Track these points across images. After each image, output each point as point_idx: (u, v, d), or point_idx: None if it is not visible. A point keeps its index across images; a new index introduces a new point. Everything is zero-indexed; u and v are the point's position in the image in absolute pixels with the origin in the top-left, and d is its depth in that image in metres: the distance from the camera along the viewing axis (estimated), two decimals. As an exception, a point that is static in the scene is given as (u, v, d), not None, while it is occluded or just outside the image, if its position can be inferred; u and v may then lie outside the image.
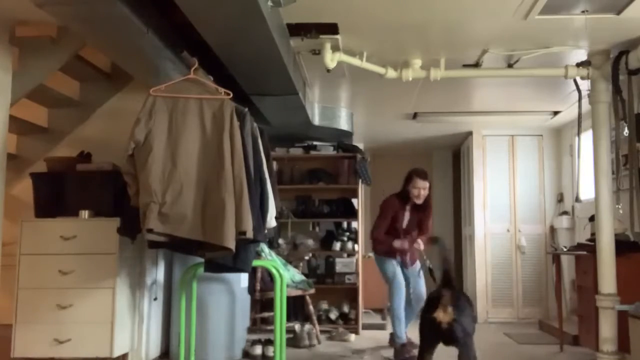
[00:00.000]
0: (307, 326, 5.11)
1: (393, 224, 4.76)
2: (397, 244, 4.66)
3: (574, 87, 4.25)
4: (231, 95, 3.28)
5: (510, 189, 6.71)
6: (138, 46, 3.10)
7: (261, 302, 5.17)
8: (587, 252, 4.32)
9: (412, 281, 4.79)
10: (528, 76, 4.41)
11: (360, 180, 5.97)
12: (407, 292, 4.75)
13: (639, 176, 3.81)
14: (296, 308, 5.67)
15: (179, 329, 3.83)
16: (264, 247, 4.58)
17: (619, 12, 3.28)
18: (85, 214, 3.58)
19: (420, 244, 4.63)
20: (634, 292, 3.77)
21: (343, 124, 5.74)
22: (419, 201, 4.70)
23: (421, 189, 4.66)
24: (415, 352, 4.43)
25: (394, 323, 4.61)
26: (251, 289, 4.64)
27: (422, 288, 4.78)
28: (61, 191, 3.70)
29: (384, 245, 4.72)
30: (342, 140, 6.17)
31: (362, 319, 5.86)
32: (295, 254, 5.89)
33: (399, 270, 4.71)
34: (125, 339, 3.62)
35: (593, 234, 4.23)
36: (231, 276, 4.17)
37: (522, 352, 4.83)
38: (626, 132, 3.80)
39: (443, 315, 2.95)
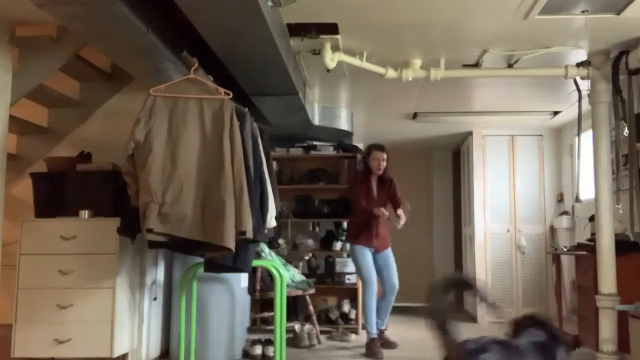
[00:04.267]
0: (307, 326, 5.11)
1: (366, 200, 4.85)
2: (377, 211, 4.71)
3: (574, 87, 4.25)
4: (231, 95, 3.28)
5: (510, 189, 6.71)
6: (138, 46, 3.11)
7: (261, 302, 5.17)
8: (587, 252, 4.32)
9: (384, 271, 4.87)
10: (528, 76, 4.41)
11: (360, 181, 5.98)
12: (380, 283, 4.89)
13: (639, 176, 3.81)
14: (296, 308, 5.67)
15: (179, 329, 3.83)
16: (264, 247, 4.58)
17: (619, 12, 3.28)
18: (85, 214, 3.58)
19: (402, 217, 4.72)
20: (634, 292, 3.77)
21: (343, 124, 5.74)
22: (379, 172, 4.90)
23: (380, 160, 4.88)
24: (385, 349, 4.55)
25: (367, 318, 4.75)
26: (251, 289, 4.64)
27: (394, 278, 4.89)
28: (61, 191, 3.70)
29: (366, 214, 4.77)
30: (342, 140, 6.17)
31: (362, 319, 5.86)
32: (295, 254, 5.89)
33: (372, 266, 4.79)
34: (125, 339, 3.62)
35: (593, 234, 4.23)
36: (231, 276, 4.17)
37: (522, 352, 4.82)
38: (626, 132, 3.80)
39: None
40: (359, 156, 6.05)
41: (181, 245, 3.35)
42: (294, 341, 4.94)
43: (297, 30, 3.49)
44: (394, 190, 4.97)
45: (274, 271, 3.85)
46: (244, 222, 3.06)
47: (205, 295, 4.11)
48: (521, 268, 6.60)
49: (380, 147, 4.95)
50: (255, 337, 4.79)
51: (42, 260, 3.49)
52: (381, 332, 4.94)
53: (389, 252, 4.94)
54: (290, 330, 4.88)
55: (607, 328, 3.84)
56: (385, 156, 4.91)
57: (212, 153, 3.16)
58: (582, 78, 4.06)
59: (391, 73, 4.07)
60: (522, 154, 6.73)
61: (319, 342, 5.09)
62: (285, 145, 6.13)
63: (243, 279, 4.40)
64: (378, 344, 4.68)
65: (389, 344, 4.86)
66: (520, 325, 2.21)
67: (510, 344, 2.01)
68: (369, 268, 4.77)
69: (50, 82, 4.02)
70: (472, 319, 6.62)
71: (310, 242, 6.01)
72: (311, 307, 5.16)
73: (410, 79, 4.08)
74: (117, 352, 3.50)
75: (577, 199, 4.65)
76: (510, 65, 4.16)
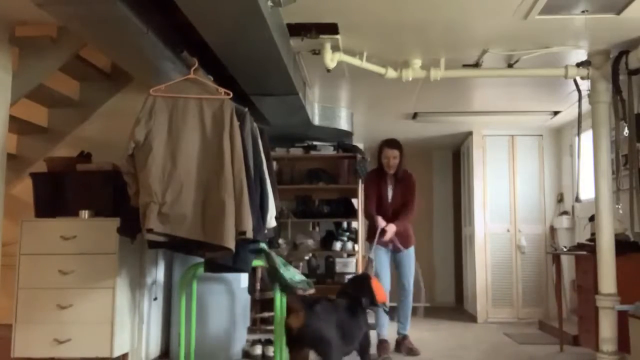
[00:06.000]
0: (307, 326, 5.09)
1: (378, 200, 4.76)
2: (381, 222, 4.59)
3: (574, 87, 4.25)
4: (231, 95, 3.28)
5: (510, 189, 6.71)
6: (138, 46, 3.11)
7: (261, 302, 5.17)
8: (587, 252, 4.32)
9: (397, 271, 4.80)
10: (528, 76, 4.41)
11: (360, 180, 5.97)
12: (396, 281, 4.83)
13: (639, 176, 3.81)
14: (296, 308, 5.65)
15: (179, 329, 3.83)
16: (264, 247, 4.57)
17: (619, 12, 3.28)
18: (85, 214, 3.58)
19: (391, 231, 4.55)
20: (634, 292, 3.77)
21: (343, 124, 5.74)
22: (391, 170, 4.72)
23: (390, 158, 4.70)
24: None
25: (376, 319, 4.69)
26: (251, 289, 4.64)
27: (405, 278, 4.77)
28: (61, 191, 3.69)
29: (373, 221, 4.67)
30: (342, 140, 6.17)
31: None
32: (295, 254, 5.89)
33: (385, 265, 4.69)
34: (125, 339, 3.62)
35: (593, 234, 4.23)
36: (231, 276, 4.17)
37: (522, 352, 4.83)
38: (626, 132, 3.80)
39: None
40: (358, 156, 6.05)
41: (181, 246, 3.35)
42: (294, 341, 4.93)
43: (297, 30, 3.49)
44: (409, 187, 4.76)
45: (274, 271, 3.85)
46: (244, 222, 3.06)
47: (205, 295, 4.11)
48: (521, 268, 6.60)
49: (390, 144, 4.71)
50: (255, 337, 4.79)
51: (42, 260, 3.49)
52: (403, 337, 4.76)
53: (407, 252, 4.78)
54: (290, 330, 4.87)
55: (607, 328, 3.84)
56: (396, 153, 4.68)
57: (212, 153, 3.16)
58: (582, 78, 4.06)
59: (391, 73, 4.07)
60: (522, 154, 6.74)
61: (319, 342, 5.07)
62: (285, 145, 6.13)
63: (243, 279, 4.39)
64: (387, 347, 4.58)
65: (409, 350, 4.65)
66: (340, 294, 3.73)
67: (333, 301, 3.43)
68: (380, 268, 4.66)
69: (50, 82, 4.02)
70: (472, 318, 6.63)
71: (310, 242, 6.01)
72: (311, 307, 5.14)
73: (410, 79, 4.08)
74: (117, 352, 3.50)
75: (577, 199, 4.65)
76: (510, 65, 4.16)
